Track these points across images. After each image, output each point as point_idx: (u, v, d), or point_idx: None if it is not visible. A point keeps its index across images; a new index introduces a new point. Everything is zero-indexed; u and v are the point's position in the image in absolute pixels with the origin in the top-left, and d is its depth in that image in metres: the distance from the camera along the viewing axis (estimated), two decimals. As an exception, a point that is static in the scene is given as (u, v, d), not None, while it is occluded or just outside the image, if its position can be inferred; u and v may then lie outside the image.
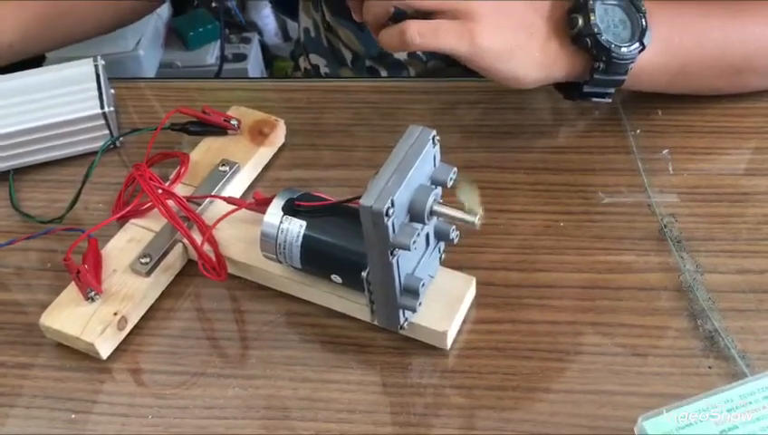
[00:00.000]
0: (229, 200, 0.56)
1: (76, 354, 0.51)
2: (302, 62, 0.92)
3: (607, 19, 0.55)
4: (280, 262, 0.51)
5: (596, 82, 0.56)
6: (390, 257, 0.43)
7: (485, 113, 0.65)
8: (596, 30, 0.54)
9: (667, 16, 0.58)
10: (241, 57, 1.49)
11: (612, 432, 0.45)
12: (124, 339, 0.51)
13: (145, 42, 1.36)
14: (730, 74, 0.61)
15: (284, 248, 0.50)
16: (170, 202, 0.54)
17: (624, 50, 0.54)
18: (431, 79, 0.72)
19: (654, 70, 0.58)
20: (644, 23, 0.55)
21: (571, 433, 0.45)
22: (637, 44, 0.55)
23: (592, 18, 0.54)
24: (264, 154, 0.62)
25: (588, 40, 0.54)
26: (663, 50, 0.57)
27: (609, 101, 0.59)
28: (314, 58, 0.88)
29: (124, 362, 0.51)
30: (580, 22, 0.54)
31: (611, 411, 0.46)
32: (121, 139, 0.64)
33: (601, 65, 0.55)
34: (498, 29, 0.53)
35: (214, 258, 0.53)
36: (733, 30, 0.59)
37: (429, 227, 0.47)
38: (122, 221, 0.56)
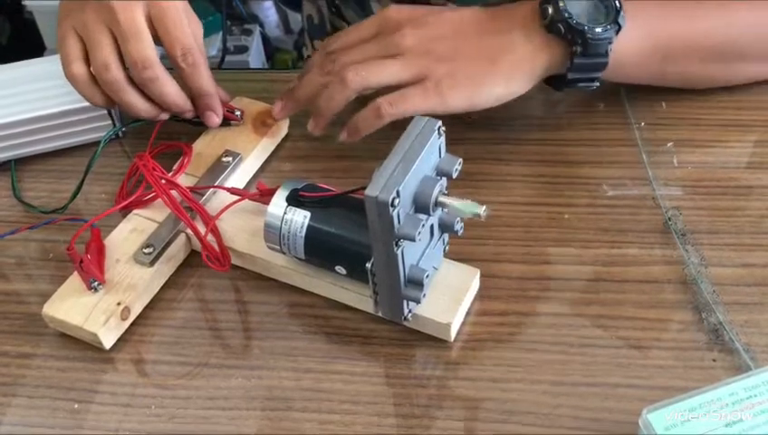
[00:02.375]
0: (232, 191, 0.56)
1: (79, 344, 0.51)
2: (306, 52, 0.93)
3: (578, 4, 0.56)
4: (284, 253, 0.51)
5: (578, 67, 0.57)
6: (395, 248, 0.43)
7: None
8: (566, 15, 0.55)
9: (651, 6, 0.58)
10: (242, 49, 1.49)
11: (616, 425, 0.45)
12: (127, 329, 0.51)
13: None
14: (719, 62, 0.61)
15: (288, 239, 0.50)
16: (173, 192, 0.54)
17: (598, 29, 0.55)
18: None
19: (638, 57, 0.59)
20: (617, 3, 0.56)
21: (575, 426, 0.45)
22: (612, 24, 0.55)
23: (561, 4, 0.55)
24: (267, 145, 0.62)
25: (560, 26, 0.55)
26: (645, 35, 0.58)
27: (597, 85, 0.59)
28: (318, 44, 0.88)
29: (127, 353, 0.51)
30: (551, 10, 0.55)
31: (615, 404, 0.46)
32: (124, 129, 0.63)
33: (579, 48, 0.56)
34: (457, 76, 0.55)
35: (217, 249, 0.53)
36: (719, 17, 0.59)
37: (434, 219, 0.47)
38: (125, 211, 0.56)
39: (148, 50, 0.55)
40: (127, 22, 0.54)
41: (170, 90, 0.57)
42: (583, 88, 0.59)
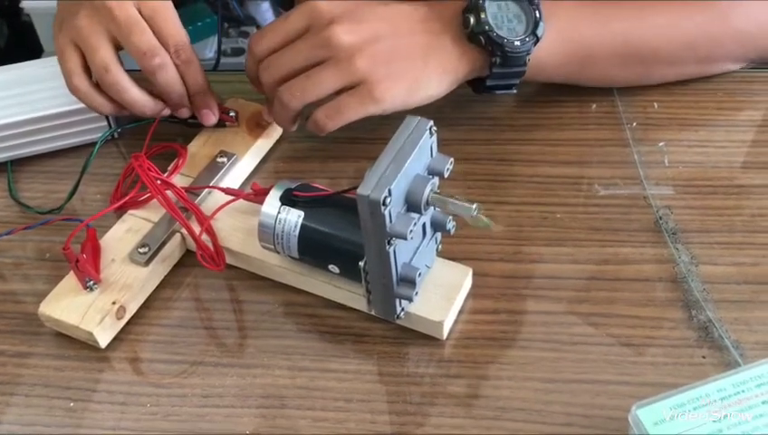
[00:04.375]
0: (227, 191, 0.56)
1: (75, 343, 0.51)
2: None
3: (501, 15, 0.57)
4: (278, 252, 0.52)
5: (496, 76, 0.58)
6: (387, 247, 0.44)
7: (484, 106, 0.65)
8: (487, 27, 0.55)
9: (566, 9, 0.59)
10: (239, 51, 1.48)
11: (606, 421, 0.45)
12: (122, 328, 0.52)
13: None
14: (636, 64, 0.62)
15: (282, 238, 0.50)
16: (169, 193, 0.54)
17: (517, 43, 0.56)
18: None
19: (558, 60, 0.60)
20: (537, 15, 0.57)
21: (566, 422, 0.46)
22: (530, 37, 0.56)
23: (483, 16, 0.55)
24: (262, 146, 0.62)
25: (481, 37, 0.56)
26: (563, 40, 0.59)
27: (515, 92, 0.60)
28: None
29: (123, 351, 0.51)
30: (472, 20, 0.56)
31: (606, 400, 0.46)
32: (120, 130, 0.64)
33: (498, 60, 0.56)
34: (392, 76, 0.55)
35: (212, 248, 0.53)
36: (635, 21, 0.60)
37: (426, 217, 0.48)
38: (120, 211, 0.56)
39: (152, 39, 0.55)
40: (125, 17, 0.55)
41: (177, 77, 0.58)
42: (501, 94, 0.61)
